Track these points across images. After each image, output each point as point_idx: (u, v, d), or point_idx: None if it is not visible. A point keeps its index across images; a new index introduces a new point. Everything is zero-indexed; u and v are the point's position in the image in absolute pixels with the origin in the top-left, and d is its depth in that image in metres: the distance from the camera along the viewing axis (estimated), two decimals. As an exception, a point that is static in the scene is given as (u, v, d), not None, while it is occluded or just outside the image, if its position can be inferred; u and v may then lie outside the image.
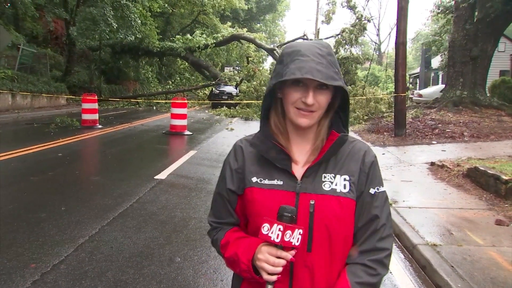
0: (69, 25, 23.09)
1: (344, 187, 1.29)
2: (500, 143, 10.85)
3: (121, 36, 23.86)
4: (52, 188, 6.01)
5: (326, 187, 1.29)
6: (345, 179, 1.30)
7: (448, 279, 3.40)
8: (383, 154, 10.08)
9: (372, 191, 1.33)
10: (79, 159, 8.80)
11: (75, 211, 4.93)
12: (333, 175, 1.31)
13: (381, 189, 1.35)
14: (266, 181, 1.32)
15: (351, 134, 11.54)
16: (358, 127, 16.17)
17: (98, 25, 21.12)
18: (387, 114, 18.56)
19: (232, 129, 14.48)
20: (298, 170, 1.32)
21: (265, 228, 1.19)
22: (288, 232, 1.17)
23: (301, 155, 1.35)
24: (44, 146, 9.21)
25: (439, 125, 14.00)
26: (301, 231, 1.18)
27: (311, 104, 1.23)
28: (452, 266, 3.63)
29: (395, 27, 12.69)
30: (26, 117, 15.88)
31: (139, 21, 24.04)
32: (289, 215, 1.20)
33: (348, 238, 1.32)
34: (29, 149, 8.70)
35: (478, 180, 6.61)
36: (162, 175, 6.99)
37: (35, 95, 19.39)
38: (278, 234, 1.18)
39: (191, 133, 12.56)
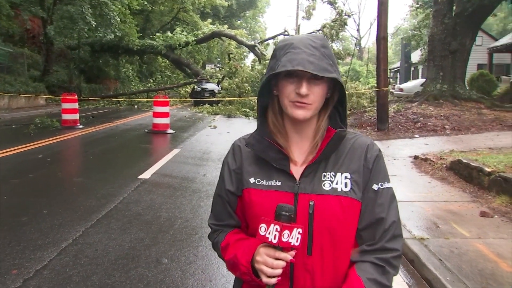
0: (46, 23, 22.59)
1: (345, 186, 1.23)
2: (480, 136, 11.00)
3: (100, 35, 23.46)
4: (33, 190, 5.86)
5: (326, 186, 1.23)
6: (346, 177, 1.24)
7: (437, 272, 3.41)
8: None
9: (375, 187, 1.26)
10: (61, 160, 8.62)
11: (57, 214, 4.81)
12: (334, 173, 1.25)
13: (387, 185, 1.28)
14: (264, 182, 1.28)
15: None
16: (341, 122, 16.21)
17: (76, 23, 20.73)
18: (369, 108, 18.68)
19: (215, 127, 14.40)
20: (297, 170, 1.27)
21: (262, 229, 1.14)
22: (286, 232, 1.12)
23: (300, 154, 1.30)
24: (23, 147, 9.00)
25: (421, 118, 14.16)
26: (300, 230, 1.12)
27: (304, 94, 1.18)
28: (440, 260, 3.64)
29: (376, 22, 12.75)
30: (4, 119, 15.50)
31: (118, 19, 23.69)
32: (287, 214, 1.14)
33: (351, 239, 1.27)
34: (8, 151, 8.48)
35: (462, 172, 6.68)
36: (146, 175, 6.89)
37: (12, 95, 18.96)
38: (275, 235, 1.12)
39: (174, 132, 12.43)
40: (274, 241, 1.12)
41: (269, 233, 1.13)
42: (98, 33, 23.25)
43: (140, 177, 6.73)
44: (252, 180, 1.29)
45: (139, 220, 4.74)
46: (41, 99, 21.78)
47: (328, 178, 1.24)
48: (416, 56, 36.15)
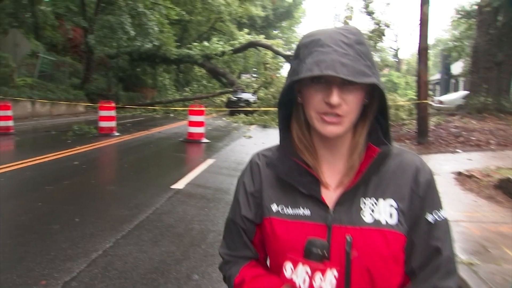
0: (88, 33, 23.26)
1: (391, 217, 1.01)
2: (530, 152, 10.43)
3: (138, 44, 24.00)
4: (66, 197, 5.86)
5: (367, 217, 1.01)
6: (391, 205, 1.02)
7: (491, 303, 3.11)
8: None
9: (430, 218, 1.03)
10: (96, 168, 8.67)
11: (89, 223, 4.75)
12: (375, 200, 1.02)
13: (442, 215, 1.04)
14: (289, 211, 1.05)
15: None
16: (379, 134, 15.81)
17: (115, 32, 21.27)
18: (408, 121, 18.17)
19: (250, 137, 14.28)
20: (330, 196, 1.04)
21: (288, 269, 0.91)
22: (318, 274, 0.89)
23: (332, 176, 1.07)
24: (60, 154, 9.12)
25: (463, 132, 13.58)
26: (335, 272, 0.89)
27: (336, 105, 0.95)
28: (493, 288, 3.33)
29: (417, 32, 12.36)
30: (44, 125, 15.94)
31: (157, 28, 24.17)
32: (319, 251, 0.92)
33: (396, 281, 1.03)
34: (45, 157, 8.61)
35: (511, 191, 6.26)
36: (180, 185, 6.79)
37: (54, 102, 19.51)
38: (304, 278, 0.89)
39: (208, 141, 12.38)
40: (304, 286, 0.89)
41: (296, 276, 0.90)
42: (136, 42, 23.77)
43: (173, 187, 6.64)
44: (274, 207, 1.07)
45: (170, 232, 4.62)
46: (80, 106, 22.35)
47: (368, 206, 1.02)
48: (456, 67, 35.12)
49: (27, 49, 17.65)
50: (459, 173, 8.10)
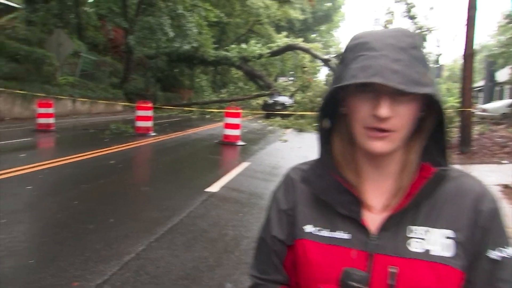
0: (128, 33, 23.73)
1: (445, 249, 0.85)
2: None
3: (177, 45, 24.30)
4: (102, 197, 5.89)
5: (415, 247, 0.86)
6: (446, 237, 0.86)
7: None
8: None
9: (495, 255, 0.87)
10: (131, 167, 8.75)
11: (123, 224, 4.73)
12: (427, 229, 0.87)
13: (510, 252, 0.88)
14: (326, 233, 0.92)
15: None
16: (418, 142, 15.34)
17: (155, 33, 21.60)
18: (449, 129, 17.59)
19: (285, 141, 14.13)
20: (373, 220, 0.90)
21: None
22: None
23: (377, 197, 0.93)
24: (98, 152, 9.26)
25: (510, 143, 12.97)
26: None
27: (385, 118, 0.82)
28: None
29: (462, 37, 11.90)
30: (83, 123, 16.31)
31: (195, 30, 24.38)
32: (357, 285, 0.81)
33: None
34: (83, 155, 8.75)
35: None
36: (214, 188, 6.72)
37: (93, 101, 19.98)
38: None
39: (244, 144, 12.31)
40: None
41: None
42: (175, 43, 24.04)
43: (207, 190, 6.58)
44: (309, 228, 0.94)
45: (204, 237, 4.53)
46: (118, 106, 22.80)
47: (418, 235, 0.86)
48: (502, 75, 33.81)
49: (70, 48, 18.13)
50: (506, 186, 7.69)
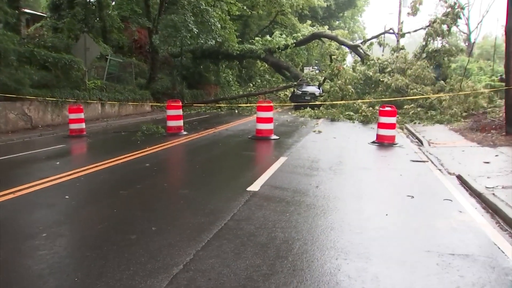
0: (152, 33, 23.65)
1: None
2: None
3: (201, 41, 24.08)
4: (140, 203, 5.68)
5: None
6: None
7: None
8: (496, 156, 8.83)
9: None
10: (167, 170, 8.55)
11: (166, 232, 4.49)
12: None
13: None
14: None
15: (451, 133, 10.21)
16: (458, 125, 14.69)
17: (179, 31, 21.39)
18: (489, 109, 16.76)
19: (319, 132, 13.73)
20: None
21: None
22: None
23: None
24: (131, 155, 9.10)
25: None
26: None
27: None
28: None
29: (501, 11, 11.19)
30: (114, 125, 16.30)
31: (219, 25, 24.09)
32: None
33: None
34: (117, 159, 8.60)
35: None
36: (255, 187, 6.43)
37: (122, 103, 20.00)
38: None
39: (277, 137, 11.98)
40: None
41: None
42: (199, 40, 23.82)
43: (249, 189, 6.29)
44: None
45: (253, 242, 4.24)
46: (147, 106, 22.79)
47: None
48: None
49: (96, 52, 18.14)
50: None
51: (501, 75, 34.20)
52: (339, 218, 5.08)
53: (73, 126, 12.95)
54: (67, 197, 5.84)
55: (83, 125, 13.17)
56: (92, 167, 7.81)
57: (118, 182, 6.88)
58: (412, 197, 5.97)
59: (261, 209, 5.33)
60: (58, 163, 8.54)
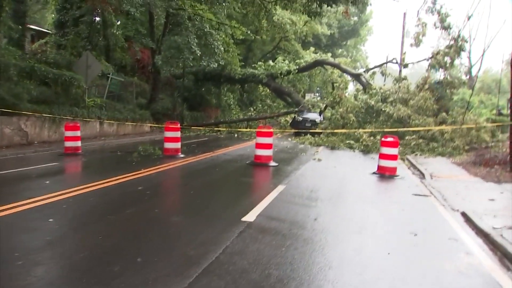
0: (155, 54, 23.65)
1: None
2: None
3: (204, 64, 24.07)
4: (129, 230, 5.36)
5: None
6: None
7: None
8: (501, 193, 8.55)
9: None
10: (160, 194, 8.22)
11: (152, 264, 4.16)
12: None
13: None
14: None
15: (453, 166, 9.92)
16: (460, 158, 14.44)
17: (182, 53, 21.39)
18: (492, 143, 16.56)
19: (319, 160, 13.46)
20: None
21: None
22: None
23: None
24: (125, 177, 8.80)
25: None
26: None
27: None
28: None
29: (503, 43, 11.09)
30: (111, 145, 16.05)
31: (222, 48, 24.12)
32: None
33: None
34: (110, 181, 8.30)
35: None
36: (251, 217, 6.11)
37: (120, 122, 19.79)
38: None
39: (276, 164, 11.70)
40: None
41: None
42: (202, 62, 23.82)
43: (244, 219, 5.97)
44: None
45: (245, 280, 3.91)
46: (146, 126, 22.59)
47: None
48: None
49: (98, 70, 18.05)
50: None
51: (499, 109, 34.20)
52: (338, 256, 4.76)
53: (68, 144, 12.69)
54: (51, 220, 5.52)
55: (79, 143, 12.90)
56: (83, 188, 7.51)
57: (107, 206, 6.56)
58: (416, 234, 5.65)
59: (256, 242, 5.01)
60: (48, 182, 8.24)
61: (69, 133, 12.74)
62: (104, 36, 24.39)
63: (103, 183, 8.10)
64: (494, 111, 34.02)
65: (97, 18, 24.76)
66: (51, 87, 16.34)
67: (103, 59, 22.95)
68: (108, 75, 21.75)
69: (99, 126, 18.58)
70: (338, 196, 8.16)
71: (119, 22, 26.68)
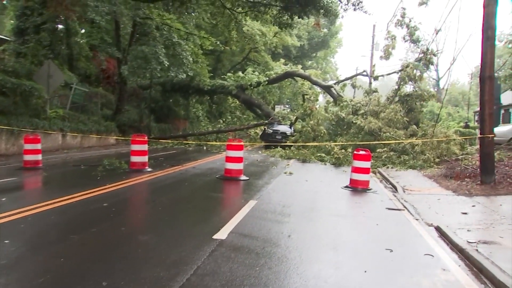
0: (121, 63, 23.28)
1: None
2: None
3: (172, 74, 23.84)
4: (93, 251, 5.12)
5: None
6: None
7: None
8: (473, 206, 8.70)
9: None
10: (127, 211, 7.96)
11: (119, 288, 3.97)
12: None
13: None
14: None
15: (424, 179, 10.04)
16: (431, 171, 14.69)
17: (149, 63, 21.15)
18: (462, 156, 16.96)
19: (291, 173, 13.43)
20: None
21: None
22: None
23: None
24: (89, 193, 8.50)
25: (534, 169, 12.33)
26: None
27: None
28: None
29: (474, 59, 11.42)
30: (74, 158, 15.59)
31: (191, 58, 23.99)
32: None
33: None
34: (72, 197, 7.99)
35: None
36: (222, 234, 5.97)
37: (84, 134, 19.29)
38: None
39: (247, 178, 11.59)
40: None
41: None
42: (170, 73, 23.59)
43: (215, 237, 5.83)
44: None
45: (218, 304, 3.78)
46: (111, 139, 22.11)
47: None
48: (507, 97, 33.52)
49: (60, 80, 17.57)
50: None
51: (466, 122, 35.33)
52: (314, 274, 4.67)
53: (28, 157, 12.22)
54: (6, 241, 5.22)
55: (39, 157, 12.45)
56: (43, 206, 7.19)
57: (70, 225, 6.29)
58: (391, 250, 5.64)
59: (228, 262, 4.87)
60: (4, 199, 7.83)
61: (28, 146, 12.28)
62: (67, 44, 23.81)
63: (65, 199, 7.78)
64: (462, 124, 35.10)
65: (60, 26, 24.16)
66: (9, 97, 15.75)
67: (66, 68, 22.41)
68: (71, 85, 21.22)
69: (62, 139, 18.05)
70: (311, 211, 8.11)
71: (83, 31, 26.15)
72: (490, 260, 5.01)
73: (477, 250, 5.42)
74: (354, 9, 19.82)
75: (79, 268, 4.50)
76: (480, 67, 11.47)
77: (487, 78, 11.11)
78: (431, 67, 32.01)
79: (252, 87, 29.93)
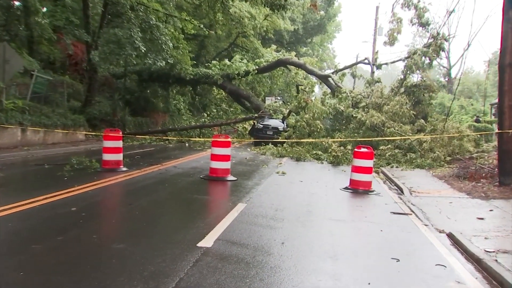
0: (91, 48, 23.08)
1: None
2: None
3: (149, 62, 23.70)
4: (59, 263, 5.05)
5: None
6: None
7: None
8: (491, 210, 8.80)
9: None
10: (99, 216, 7.90)
11: (90, 304, 3.93)
12: None
13: None
14: None
15: (434, 180, 10.11)
16: (441, 171, 14.83)
17: (123, 48, 20.96)
18: (477, 154, 17.10)
19: (284, 173, 13.47)
20: None
21: None
22: None
23: None
24: (54, 196, 8.42)
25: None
26: None
27: None
28: None
29: (500, 45, 11.50)
30: (36, 156, 15.43)
31: (171, 44, 23.86)
32: None
33: None
34: (35, 201, 7.90)
35: None
36: (208, 242, 5.96)
37: (48, 129, 19.10)
38: None
39: (235, 179, 11.62)
40: None
41: None
42: (147, 60, 23.45)
43: (200, 244, 5.82)
44: None
45: (203, 321, 3.76)
46: (80, 134, 21.94)
47: None
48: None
49: (19, 66, 17.35)
50: None
51: (477, 116, 35.60)
52: (311, 286, 4.68)
53: (-17, 155, 12.09)
54: (-40, 252, 5.16)
55: (-4, 155, 12.32)
56: None
57: (32, 232, 6.21)
58: (398, 260, 5.67)
59: (215, 273, 4.86)
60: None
61: (-16, 143, 12.15)
62: (26, 25, 23.46)
63: (26, 203, 7.69)
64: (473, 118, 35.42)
65: (17, 3, 23.80)
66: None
67: (26, 52, 22.13)
68: (32, 72, 20.95)
69: (21, 134, 17.84)
70: (307, 216, 8.14)
71: (45, 9, 25.82)
72: None
73: (496, 260, 5.46)
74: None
75: (44, 283, 4.44)
76: (499, 53, 11.58)
77: (507, 66, 11.20)
78: (442, 54, 32.24)
79: (240, 77, 29.91)
